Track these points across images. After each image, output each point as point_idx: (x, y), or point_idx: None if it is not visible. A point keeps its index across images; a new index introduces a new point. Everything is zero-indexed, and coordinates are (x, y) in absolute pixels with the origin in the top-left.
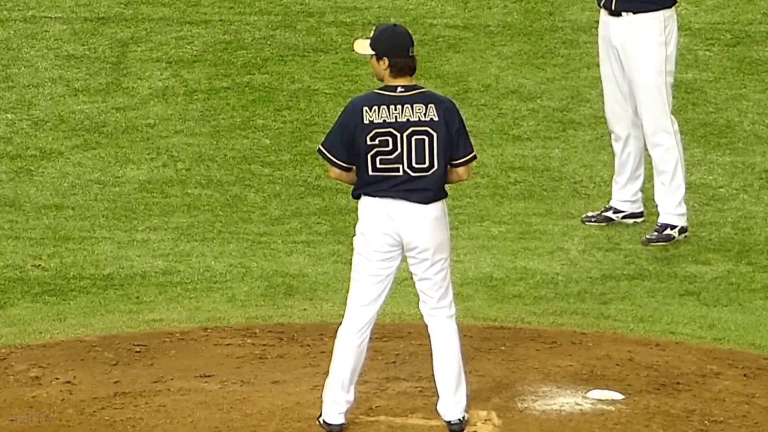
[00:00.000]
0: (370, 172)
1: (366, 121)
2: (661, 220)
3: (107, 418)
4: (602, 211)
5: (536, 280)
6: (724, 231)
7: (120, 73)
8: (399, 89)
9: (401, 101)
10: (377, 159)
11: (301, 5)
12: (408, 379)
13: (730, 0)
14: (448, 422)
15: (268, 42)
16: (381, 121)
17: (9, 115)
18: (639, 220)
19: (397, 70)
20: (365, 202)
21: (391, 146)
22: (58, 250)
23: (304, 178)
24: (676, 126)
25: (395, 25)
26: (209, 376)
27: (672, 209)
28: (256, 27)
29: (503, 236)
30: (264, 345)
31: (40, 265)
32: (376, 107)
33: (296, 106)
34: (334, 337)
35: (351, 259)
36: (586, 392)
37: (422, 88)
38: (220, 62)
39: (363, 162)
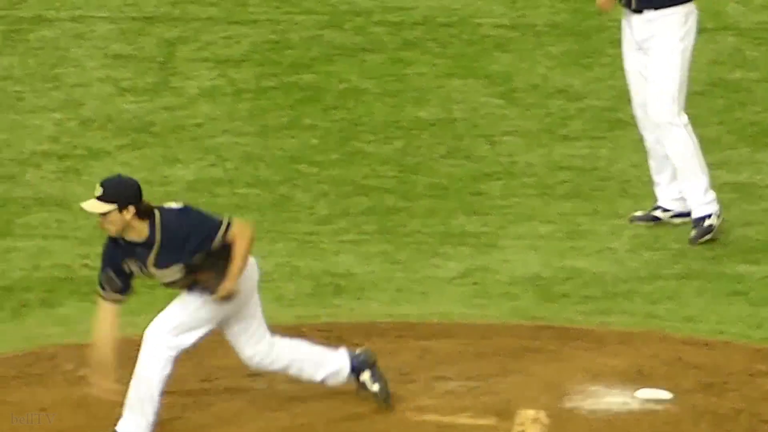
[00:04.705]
0: None
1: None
2: (694, 215)
3: None
4: (650, 211)
5: (584, 279)
6: None
7: (168, 73)
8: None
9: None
10: None
11: (348, 4)
12: (456, 378)
13: None
14: None
15: (316, 41)
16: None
17: (57, 115)
18: (687, 219)
19: (143, 213)
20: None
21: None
22: None
23: (352, 178)
24: (685, 119)
25: (119, 175)
26: (257, 375)
27: (700, 199)
28: (303, 26)
29: (551, 236)
30: None
31: (87, 264)
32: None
33: (343, 106)
34: (381, 336)
35: (399, 259)
36: (634, 391)
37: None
38: (268, 62)
39: None
